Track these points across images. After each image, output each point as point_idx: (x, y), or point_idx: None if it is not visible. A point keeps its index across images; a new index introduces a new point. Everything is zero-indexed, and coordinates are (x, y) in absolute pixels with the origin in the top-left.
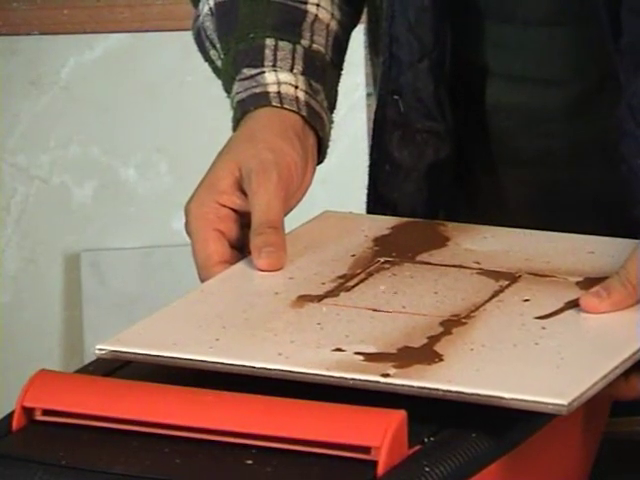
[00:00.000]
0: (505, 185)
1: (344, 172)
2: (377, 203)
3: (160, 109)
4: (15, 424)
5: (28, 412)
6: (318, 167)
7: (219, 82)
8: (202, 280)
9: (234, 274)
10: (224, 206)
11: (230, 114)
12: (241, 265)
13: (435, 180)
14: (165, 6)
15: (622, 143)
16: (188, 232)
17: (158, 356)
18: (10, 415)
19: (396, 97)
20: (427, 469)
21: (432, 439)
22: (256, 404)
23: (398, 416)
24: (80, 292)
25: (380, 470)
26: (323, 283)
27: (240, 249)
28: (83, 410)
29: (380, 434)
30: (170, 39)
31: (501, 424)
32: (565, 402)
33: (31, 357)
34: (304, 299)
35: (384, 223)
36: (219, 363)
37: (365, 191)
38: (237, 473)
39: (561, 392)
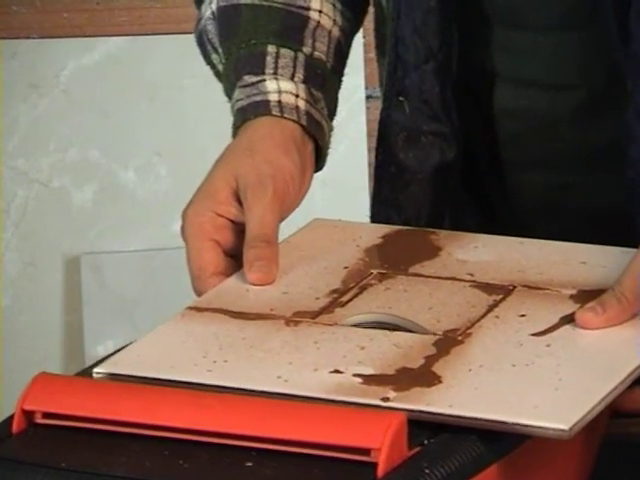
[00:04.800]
0: (512, 188)
1: (343, 174)
2: (382, 205)
3: (159, 112)
4: (15, 427)
5: (28, 415)
6: None
7: (218, 85)
8: (196, 290)
9: (228, 289)
10: (221, 216)
11: (230, 116)
12: (234, 279)
13: (441, 182)
14: (164, 9)
15: (630, 149)
16: (184, 238)
17: (157, 379)
18: (10, 418)
19: (402, 99)
20: (427, 471)
21: (432, 441)
22: (256, 406)
23: (398, 418)
24: (80, 295)
25: (380, 472)
26: (317, 298)
27: (235, 257)
28: (83, 413)
29: (380, 436)
30: (169, 42)
31: None
32: (566, 427)
33: (31, 360)
34: (299, 316)
35: (375, 232)
36: (219, 387)
37: (364, 193)
38: (237, 475)
39: (562, 416)
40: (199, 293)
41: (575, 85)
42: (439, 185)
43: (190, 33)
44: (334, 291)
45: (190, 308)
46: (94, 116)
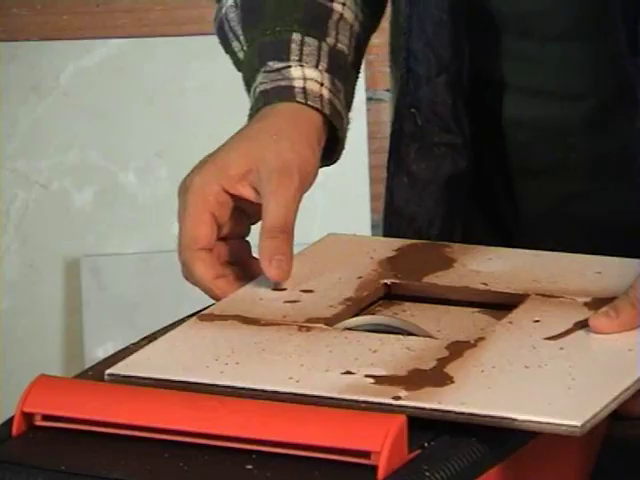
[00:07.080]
0: (522, 197)
1: (344, 176)
2: (394, 215)
3: (159, 114)
4: (15, 429)
5: (28, 417)
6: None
7: (219, 87)
8: (181, 259)
9: (240, 297)
10: (226, 191)
11: (230, 116)
12: (246, 288)
13: (452, 193)
14: (164, 11)
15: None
16: (182, 200)
17: (169, 380)
18: (10, 420)
19: (414, 111)
20: (427, 473)
21: (432, 444)
22: (256, 409)
23: (398, 420)
24: (80, 297)
25: (380, 475)
26: (331, 306)
27: (223, 239)
28: (83, 415)
29: (380, 439)
30: (169, 44)
31: (501, 429)
32: (579, 423)
33: (31, 362)
34: (312, 322)
35: (389, 245)
36: (230, 387)
37: (365, 195)
38: (237, 478)
39: (574, 413)
40: (184, 262)
41: (583, 95)
42: (451, 195)
43: (190, 35)
44: (347, 299)
45: (202, 315)
46: (94, 118)
